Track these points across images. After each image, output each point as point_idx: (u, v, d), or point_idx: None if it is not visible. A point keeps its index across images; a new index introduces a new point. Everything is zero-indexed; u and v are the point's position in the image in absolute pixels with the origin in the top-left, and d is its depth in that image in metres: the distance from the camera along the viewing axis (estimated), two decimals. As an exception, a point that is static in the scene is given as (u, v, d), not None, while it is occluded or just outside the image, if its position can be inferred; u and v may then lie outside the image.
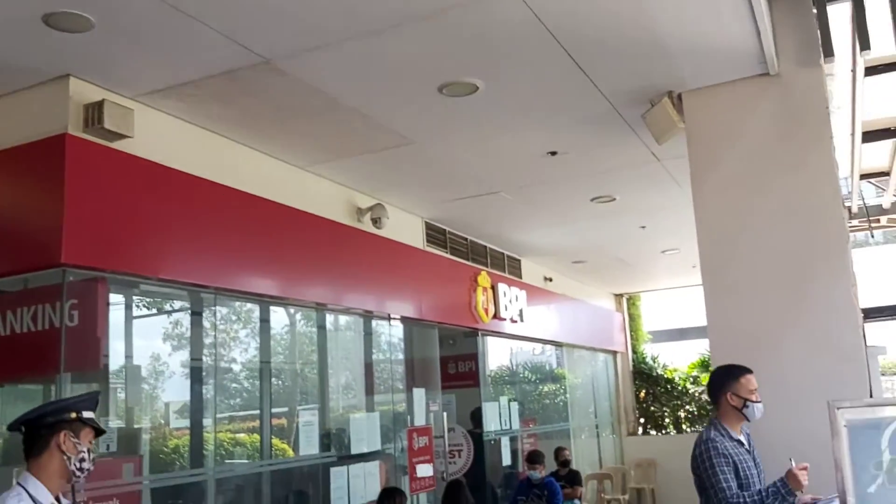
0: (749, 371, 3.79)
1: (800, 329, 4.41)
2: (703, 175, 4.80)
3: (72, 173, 3.82)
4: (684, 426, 13.01)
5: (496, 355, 10.11)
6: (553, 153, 6.04)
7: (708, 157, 4.79)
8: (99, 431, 2.76)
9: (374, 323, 7.08)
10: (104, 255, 3.98)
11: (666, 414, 13.17)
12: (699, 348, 12.94)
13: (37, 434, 2.64)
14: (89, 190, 3.94)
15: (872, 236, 10.44)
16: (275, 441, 7.00)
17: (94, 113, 4.02)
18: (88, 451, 2.68)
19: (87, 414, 2.71)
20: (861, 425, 2.89)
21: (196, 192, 4.66)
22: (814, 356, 4.35)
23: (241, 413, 7.32)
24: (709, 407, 12.64)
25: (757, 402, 3.72)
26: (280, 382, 7.59)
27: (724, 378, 3.81)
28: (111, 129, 4.04)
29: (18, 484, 2.57)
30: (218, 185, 4.83)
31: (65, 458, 2.62)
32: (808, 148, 4.52)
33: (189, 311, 6.26)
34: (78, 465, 2.64)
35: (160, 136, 4.61)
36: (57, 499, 2.63)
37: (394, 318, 6.95)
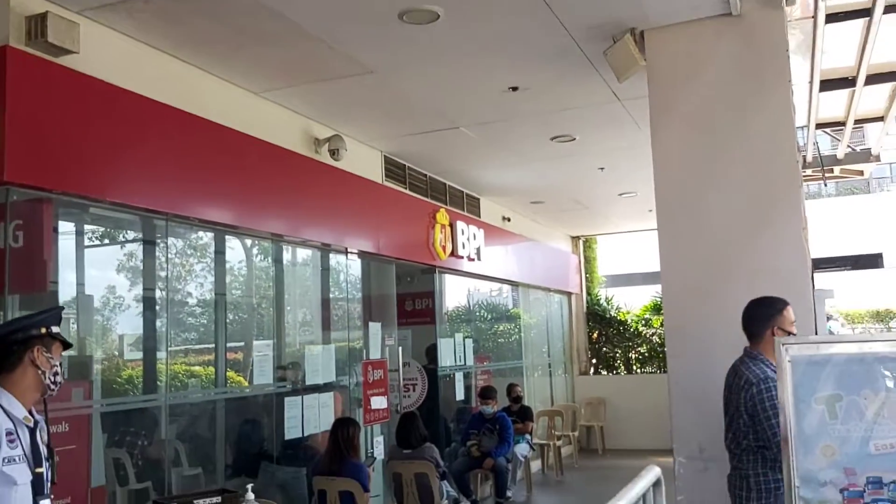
0: (788, 303, 3.67)
1: (749, 270, 4.49)
2: (661, 114, 4.81)
3: (13, 87, 3.67)
4: (635, 367, 13.34)
5: (453, 294, 10.18)
6: (514, 88, 5.98)
7: (667, 97, 4.80)
8: (66, 345, 2.81)
9: (331, 258, 7.05)
10: (50, 175, 3.86)
11: (617, 355, 13.47)
12: (651, 293, 13.20)
13: (8, 350, 2.67)
14: (33, 105, 3.80)
15: (825, 185, 10.63)
16: (230, 374, 7.00)
17: (36, 26, 3.85)
18: (61, 364, 2.75)
19: (55, 328, 2.77)
20: (804, 361, 2.96)
21: (147, 113, 4.52)
22: (763, 295, 4.45)
23: (197, 346, 7.29)
24: (660, 349, 13.01)
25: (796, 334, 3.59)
26: (236, 316, 7.55)
27: (769, 311, 3.64)
28: (55, 43, 3.88)
29: None
30: (170, 107, 4.70)
31: (39, 372, 2.67)
32: (766, 91, 4.55)
33: (142, 241, 6.16)
34: (52, 378, 2.70)
35: (109, 54, 4.45)
36: (30, 412, 2.68)
37: (351, 253, 6.92)
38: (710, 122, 4.68)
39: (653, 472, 3.10)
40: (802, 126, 7.02)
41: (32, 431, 2.67)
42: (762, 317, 3.67)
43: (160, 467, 5.35)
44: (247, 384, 6.59)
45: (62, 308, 2.96)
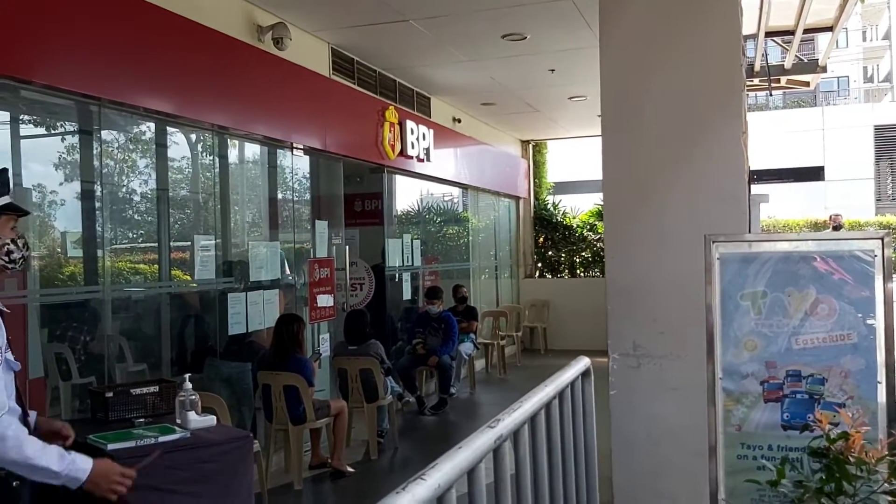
0: None
1: (688, 172, 4.54)
2: (610, 14, 4.72)
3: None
4: (579, 271, 13.63)
5: (403, 195, 10.15)
6: (466, -20, 5.81)
7: (616, -4, 4.70)
8: (19, 213, 2.53)
9: (278, 155, 6.92)
10: (-28, 53, 3.66)
11: (562, 259, 13.71)
12: (597, 200, 13.36)
13: None
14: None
15: (771, 95, 10.69)
16: (175, 272, 6.93)
17: None
18: (14, 239, 2.48)
19: None
20: (733, 259, 3.03)
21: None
22: (698, 198, 4.51)
23: (141, 245, 7.17)
24: (603, 254, 13.21)
25: None
26: (181, 213, 7.42)
27: None
28: None
29: None
30: (103, -14, 4.45)
31: None
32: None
33: (78, 132, 5.94)
34: (6, 257, 2.45)
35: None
36: None
37: (297, 149, 6.79)
38: (657, 22, 4.62)
39: (582, 363, 3.19)
40: (752, 34, 7.00)
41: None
42: None
43: (103, 362, 5.34)
44: (187, 282, 6.54)
45: (5, 170, 2.58)
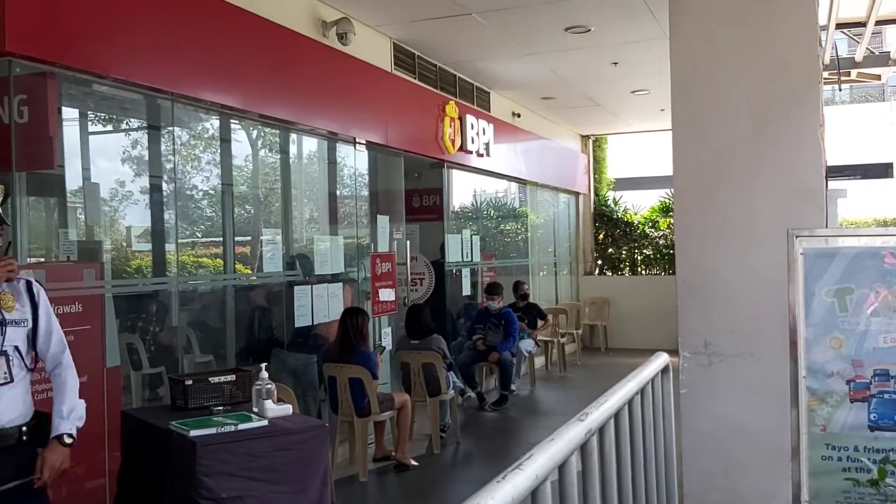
0: None
1: (764, 166, 4.40)
2: (681, 4, 4.61)
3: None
4: (640, 268, 13.40)
5: (461, 191, 10.13)
6: (530, -28, 5.75)
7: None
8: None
9: (338, 150, 6.96)
10: (53, 47, 3.74)
11: (623, 256, 13.52)
12: (660, 195, 13.14)
13: None
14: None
15: (840, 89, 10.38)
16: (238, 266, 7.05)
17: None
18: None
19: None
20: (816, 254, 2.94)
21: (151, -13, 4.36)
22: (774, 193, 4.38)
23: (204, 240, 7.31)
24: (665, 251, 13.04)
25: None
26: (243, 209, 7.54)
27: None
28: None
29: None
30: (175, -18, 4.53)
31: None
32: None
33: (147, 128, 6.07)
34: None
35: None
36: None
37: (359, 143, 6.82)
38: (731, 13, 4.49)
39: (661, 359, 3.13)
40: (822, 26, 6.77)
41: None
42: None
43: (172, 353, 5.46)
44: (254, 275, 6.63)
45: None
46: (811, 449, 2.73)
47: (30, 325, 2.77)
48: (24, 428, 2.74)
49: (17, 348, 2.71)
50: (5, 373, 2.66)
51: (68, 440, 2.79)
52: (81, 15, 3.92)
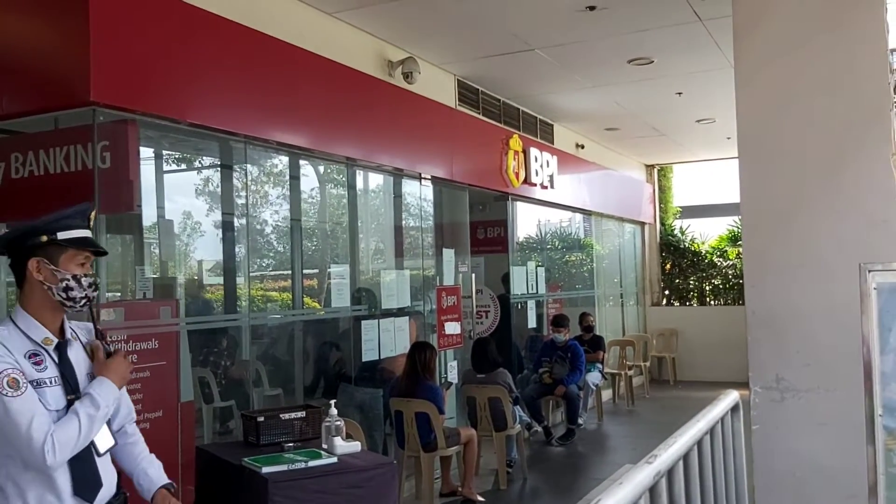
0: None
1: (833, 196, 4.31)
2: (746, 33, 4.57)
3: (97, 7, 3.72)
4: (709, 299, 13.11)
5: (525, 222, 10.14)
6: (592, 7, 5.77)
7: (753, 15, 4.54)
8: (97, 253, 2.42)
9: (404, 184, 7.07)
10: (134, 96, 3.94)
11: (691, 286, 13.26)
12: (727, 224, 12.87)
13: (18, 262, 2.33)
14: (116, 25, 3.85)
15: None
16: (306, 300, 7.19)
17: (118, -53, 3.87)
18: (77, 276, 2.31)
19: (65, 234, 2.31)
20: (891, 288, 2.84)
21: (225, 35, 4.54)
22: (846, 224, 4.27)
23: (273, 273, 7.49)
24: (734, 281, 12.73)
25: None
26: (311, 243, 7.71)
27: None
28: (137, -35, 3.91)
29: (9, 317, 2.33)
30: (248, 28, 4.71)
31: (45, 287, 2.29)
32: (859, 7, 4.26)
33: (219, 167, 6.30)
34: (63, 293, 2.29)
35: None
36: (62, 330, 2.37)
37: (425, 178, 6.93)
38: (797, 42, 4.43)
39: (731, 397, 3.07)
40: (892, 49, 6.60)
41: (62, 352, 2.34)
42: None
43: (243, 386, 5.58)
44: (322, 310, 6.74)
45: (88, 205, 2.44)
46: (889, 490, 2.63)
47: None
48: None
49: None
50: (109, 435, 2.42)
51: (172, 489, 2.60)
52: (159, 65, 4.11)
